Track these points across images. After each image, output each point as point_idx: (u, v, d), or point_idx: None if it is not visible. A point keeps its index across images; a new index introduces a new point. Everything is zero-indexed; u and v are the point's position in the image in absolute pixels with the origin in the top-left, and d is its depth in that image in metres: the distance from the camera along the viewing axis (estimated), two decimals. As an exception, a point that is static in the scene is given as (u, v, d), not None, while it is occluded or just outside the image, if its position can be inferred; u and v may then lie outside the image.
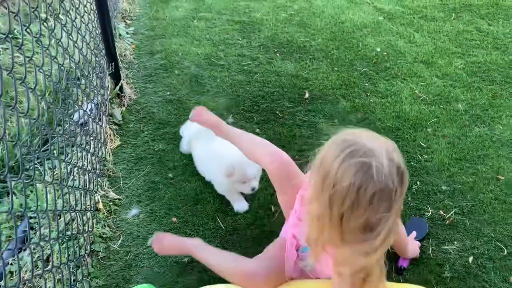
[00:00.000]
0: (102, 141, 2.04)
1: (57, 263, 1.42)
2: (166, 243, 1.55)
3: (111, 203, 1.85)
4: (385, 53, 2.90)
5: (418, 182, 2.00)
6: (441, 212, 1.87)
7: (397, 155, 1.04)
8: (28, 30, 1.14)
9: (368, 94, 2.54)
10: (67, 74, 1.63)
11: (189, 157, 2.04)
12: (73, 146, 1.82)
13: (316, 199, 1.09)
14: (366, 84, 2.62)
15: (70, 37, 1.64)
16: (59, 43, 1.48)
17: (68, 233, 1.60)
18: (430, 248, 1.72)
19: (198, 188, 1.94)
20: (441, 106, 2.46)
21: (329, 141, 1.09)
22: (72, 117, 1.80)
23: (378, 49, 2.94)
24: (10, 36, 1.02)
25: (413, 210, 1.87)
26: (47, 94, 1.97)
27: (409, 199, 1.92)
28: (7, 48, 1.38)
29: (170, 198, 1.90)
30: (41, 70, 1.23)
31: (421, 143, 2.21)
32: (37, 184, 1.81)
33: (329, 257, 1.17)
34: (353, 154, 1.01)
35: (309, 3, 3.45)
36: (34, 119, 1.21)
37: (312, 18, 3.25)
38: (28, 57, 1.11)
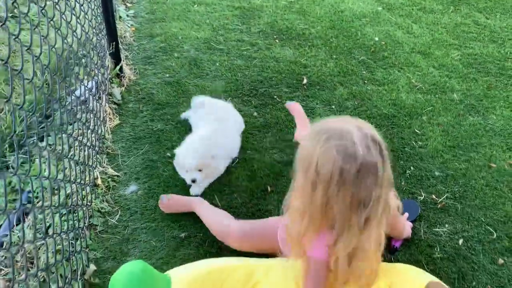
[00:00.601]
0: (101, 119, 2.06)
1: (57, 232, 1.45)
2: (172, 201, 1.76)
3: (109, 179, 1.87)
4: (383, 43, 2.93)
5: (411, 167, 2.04)
6: (433, 196, 1.91)
7: (370, 129, 1.08)
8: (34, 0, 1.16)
9: (366, 81, 2.57)
10: (70, 48, 1.64)
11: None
12: (73, 123, 1.83)
13: (302, 192, 1.12)
14: (364, 72, 2.65)
15: (73, 11, 1.65)
16: (62, 16, 1.49)
17: (67, 206, 1.62)
18: (422, 230, 1.76)
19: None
20: (437, 96, 2.50)
21: (305, 135, 1.13)
22: (74, 92, 1.81)
23: (377, 39, 2.96)
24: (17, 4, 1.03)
25: (406, 193, 1.91)
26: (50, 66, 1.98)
27: (403, 183, 1.96)
28: (17, 16, 1.39)
29: (168, 176, 1.93)
30: (45, 41, 1.25)
31: (416, 130, 2.25)
32: (36, 160, 1.83)
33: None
34: (329, 139, 1.05)
35: (309, -8, 3.46)
36: (38, 87, 1.22)
37: (311, 6, 3.27)
38: (34, 25, 1.13)
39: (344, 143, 1.03)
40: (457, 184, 1.97)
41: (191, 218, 1.74)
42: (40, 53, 1.20)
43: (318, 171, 1.06)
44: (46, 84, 1.79)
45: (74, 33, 1.69)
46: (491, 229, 1.79)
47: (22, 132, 1.89)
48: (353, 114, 2.32)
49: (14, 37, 1.00)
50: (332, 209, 1.10)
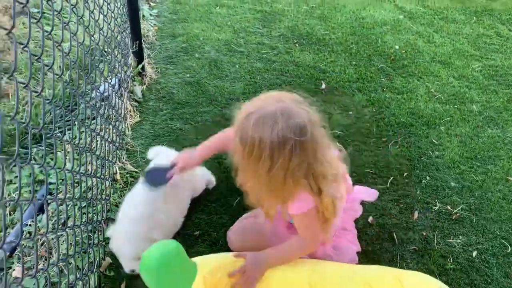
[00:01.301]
0: (122, 116, 2.10)
1: (76, 224, 1.49)
2: None
3: (128, 175, 1.91)
4: (404, 51, 2.92)
5: (427, 177, 2.03)
6: (449, 207, 1.90)
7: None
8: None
9: (384, 89, 2.57)
10: (96, 45, 1.69)
11: (204, 136, 2.09)
12: (94, 119, 1.88)
13: (245, 167, 1.19)
14: (383, 79, 2.65)
15: (101, 10, 1.70)
16: (91, 14, 1.53)
17: (87, 199, 1.66)
18: (435, 241, 1.76)
19: (212, 168, 1.99)
20: (456, 106, 2.48)
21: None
22: (98, 88, 1.86)
23: (397, 47, 2.96)
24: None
25: (420, 203, 1.91)
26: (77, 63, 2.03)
27: (418, 192, 1.95)
28: (49, 13, 1.43)
29: (184, 175, 1.95)
30: (74, 38, 1.29)
31: (434, 140, 2.24)
32: (58, 153, 1.88)
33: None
34: (263, 123, 1.10)
35: (331, -3, 3.48)
36: (66, 82, 1.26)
37: (333, 12, 3.28)
38: (65, 23, 1.17)
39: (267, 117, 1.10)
40: (473, 196, 1.96)
41: (205, 216, 1.77)
42: (70, 50, 1.24)
43: (252, 149, 1.11)
44: (71, 79, 1.84)
45: (101, 31, 1.73)
46: (506, 243, 1.78)
47: (45, 125, 1.94)
48: (371, 121, 2.32)
49: (47, 33, 1.04)
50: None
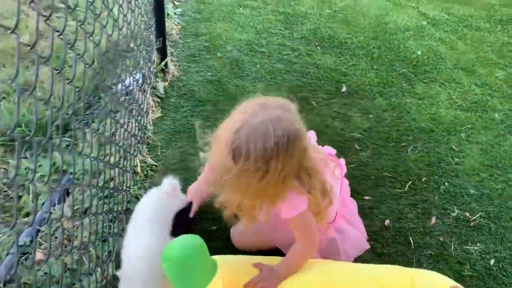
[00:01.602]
0: (144, 111, 2.14)
1: (98, 211, 1.52)
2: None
3: (148, 168, 1.94)
4: (426, 57, 2.91)
5: (446, 183, 2.02)
6: (467, 214, 1.88)
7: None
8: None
9: (405, 94, 2.56)
10: (124, 39, 1.73)
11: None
12: (118, 111, 1.92)
13: (236, 180, 1.17)
14: (404, 84, 2.64)
15: (129, 5, 1.74)
16: (120, 8, 1.57)
17: (108, 188, 1.70)
18: (452, 247, 1.75)
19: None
20: (477, 114, 2.46)
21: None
22: (124, 81, 1.90)
23: (419, 52, 2.95)
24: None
25: (438, 208, 1.90)
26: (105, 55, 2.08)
27: (436, 198, 1.94)
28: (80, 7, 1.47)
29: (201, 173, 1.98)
30: (104, 29, 1.33)
31: (454, 147, 2.22)
32: (80, 144, 1.93)
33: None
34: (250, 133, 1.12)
35: (354, 2, 3.48)
36: (96, 72, 1.30)
37: (356, 16, 3.28)
38: (97, 14, 1.21)
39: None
40: (492, 204, 1.94)
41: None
42: (99, 42, 1.28)
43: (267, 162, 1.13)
44: (98, 72, 1.88)
45: (128, 26, 1.77)
46: (525, 253, 1.75)
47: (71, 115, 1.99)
48: (391, 125, 2.31)
49: (80, 23, 1.07)
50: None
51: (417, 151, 2.17)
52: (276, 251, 1.58)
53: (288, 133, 1.13)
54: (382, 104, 2.46)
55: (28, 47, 0.79)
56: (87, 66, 1.17)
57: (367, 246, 1.67)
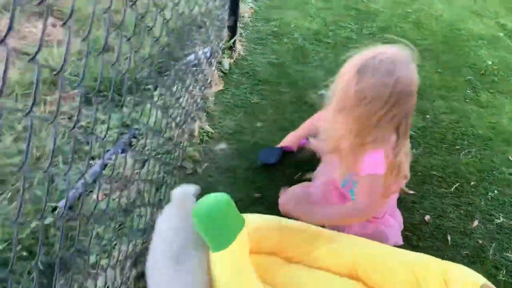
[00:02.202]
0: (208, 82, 2.28)
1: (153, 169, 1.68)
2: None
3: (204, 134, 2.08)
4: (496, 67, 2.82)
5: (495, 191, 1.98)
6: (512, 223, 1.85)
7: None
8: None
9: (467, 100, 2.51)
10: (199, 14, 1.87)
11: (278, 113, 2.22)
12: (184, 80, 2.07)
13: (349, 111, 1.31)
14: (468, 91, 2.59)
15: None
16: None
17: (166, 147, 1.86)
18: (491, 251, 1.73)
19: (279, 141, 2.09)
20: (542, 129, 2.37)
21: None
22: (196, 52, 2.05)
23: (490, 62, 2.86)
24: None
25: (483, 213, 1.88)
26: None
27: (482, 203, 1.92)
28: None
29: (253, 144, 2.09)
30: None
31: (510, 158, 2.16)
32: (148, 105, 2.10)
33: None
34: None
35: (428, 5, 3.43)
36: (171, 41, 1.43)
37: (429, 19, 3.24)
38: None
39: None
40: (542, 218, 1.88)
41: (267, 180, 1.89)
42: (171, 16, 1.41)
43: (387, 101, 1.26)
44: (169, 44, 2.04)
45: (206, 4, 1.91)
46: None
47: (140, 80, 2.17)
48: (447, 127, 2.29)
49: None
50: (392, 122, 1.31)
51: (470, 156, 2.14)
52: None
53: (411, 79, 1.27)
54: (442, 106, 2.44)
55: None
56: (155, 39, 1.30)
57: (401, 241, 1.68)
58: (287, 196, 1.64)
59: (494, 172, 2.08)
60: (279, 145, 2.00)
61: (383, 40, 1.36)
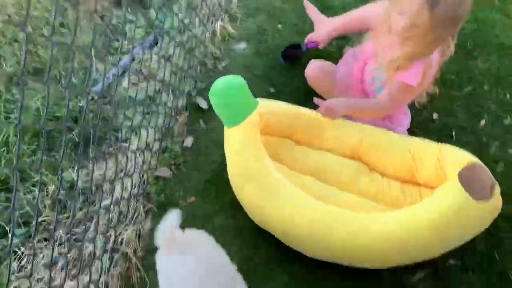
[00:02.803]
0: (232, -16, 2.33)
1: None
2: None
3: (226, 33, 2.17)
4: None
5: (507, 95, 2.01)
6: (520, 128, 1.90)
7: None
8: None
9: (494, 10, 2.45)
10: None
11: (301, 18, 2.26)
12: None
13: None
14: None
15: None
16: None
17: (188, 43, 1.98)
18: (493, 148, 1.81)
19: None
20: None
21: None
22: None
23: None
24: None
25: (492, 114, 1.92)
26: None
27: (492, 105, 1.96)
28: None
29: (272, 45, 2.16)
30: None
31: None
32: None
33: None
34: None
35: None
36: None
37: None
38: None
39: None
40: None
41: (283, 77, 1.99)
42: None
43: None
44: None
45: None
46: None
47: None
48: (469, 36, 2.25)
49: None
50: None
51: (488, 63, 2.13)
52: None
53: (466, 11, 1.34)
54: (466, 15, 2.40)
55: None
56: None
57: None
58: (316, 64, 1.82)
59: (510, 78, 2.09)
60: (307, 38, 1.87)
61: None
